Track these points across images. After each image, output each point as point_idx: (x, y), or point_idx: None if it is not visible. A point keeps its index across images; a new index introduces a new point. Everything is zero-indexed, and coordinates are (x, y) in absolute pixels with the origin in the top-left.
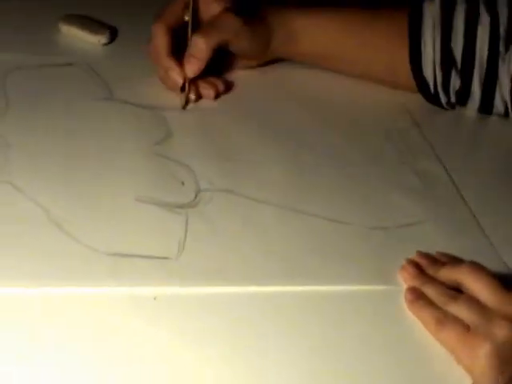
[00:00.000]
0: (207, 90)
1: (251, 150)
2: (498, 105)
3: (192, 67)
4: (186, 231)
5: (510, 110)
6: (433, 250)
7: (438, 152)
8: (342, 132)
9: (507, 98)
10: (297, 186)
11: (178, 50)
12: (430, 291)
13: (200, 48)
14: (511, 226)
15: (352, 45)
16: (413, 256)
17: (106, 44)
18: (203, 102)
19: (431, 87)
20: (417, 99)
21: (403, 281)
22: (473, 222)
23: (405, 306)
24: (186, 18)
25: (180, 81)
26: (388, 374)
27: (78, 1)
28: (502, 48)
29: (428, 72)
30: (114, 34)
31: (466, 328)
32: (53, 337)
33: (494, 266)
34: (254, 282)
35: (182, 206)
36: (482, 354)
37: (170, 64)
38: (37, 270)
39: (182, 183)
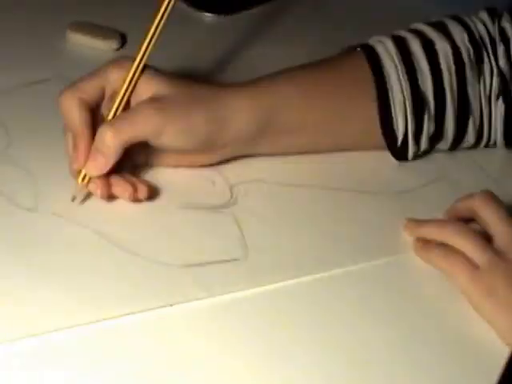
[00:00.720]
0: (122, 191)
1: None
2: (470, 136)
3: (95, 165)
4: (241, 229)
5: (487, 134)
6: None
7: None
8: None
9: (484, 122)
10: (316, 163)
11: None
12: (427, 229)
13: (106, 144)
14: None
15: (318, 116)
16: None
17: (117, 49)
18: None
19: (399, 140)
20: None
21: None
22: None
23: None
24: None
25: (74, 172)
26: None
27: (83, 9)
28: (468, 73)
29: (399, 123)
30: (123, 40)
31: (473, 264)
32: (164, 357)
33: None
34: (328, 267)
35: (224, 206)
36: (490, 286)
37: (70, 147)
38: (126, 296)
39: (213, 183)
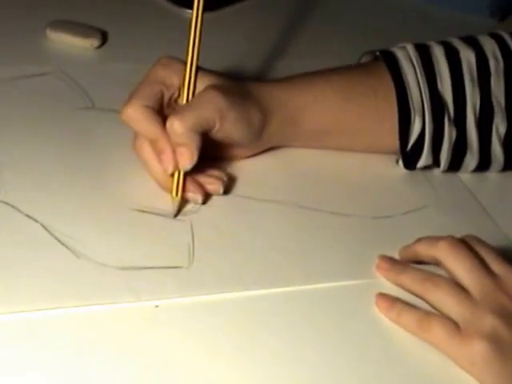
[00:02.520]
0: (213, 186)
1: None
2: (496, 146)
3: (184, 158)
4: (193, 238)
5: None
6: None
7: None
8: None
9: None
10: (292, 179)
11: None
12: (407, 280)
13: (178, 132)
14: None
15: (354, 117)
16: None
17: (98, 47)
18: None
19: (411, 142)
20: None
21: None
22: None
23: None
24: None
25: (166, 183)
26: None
27: (62, 7)
28: (493, 83)
29: (416, 124)
30: (104, 38)
31: (453, 325)
32: (76, 356)
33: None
34: (270, 285)
35: (184, 213)
36: (476, 352)
37: (150, 156)
38: (52, 291)
39: None
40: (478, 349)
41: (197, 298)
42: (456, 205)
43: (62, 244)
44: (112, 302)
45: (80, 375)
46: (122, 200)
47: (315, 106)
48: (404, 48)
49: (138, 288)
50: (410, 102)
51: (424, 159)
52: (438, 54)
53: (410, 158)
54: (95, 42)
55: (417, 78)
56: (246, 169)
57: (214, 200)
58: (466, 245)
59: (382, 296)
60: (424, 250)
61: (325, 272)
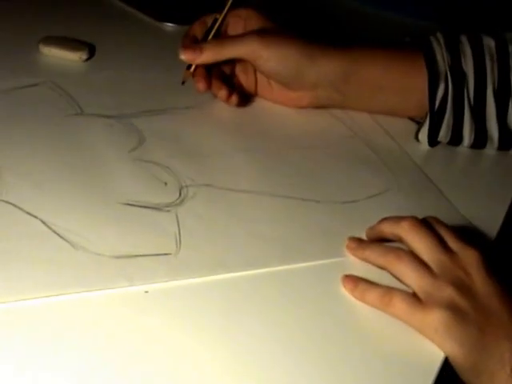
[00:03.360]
0: (219, 90)
1: (220, 144)
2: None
3: (192, 52)
4: (179, 227)
5: None
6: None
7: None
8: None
9: None
10: (267, 172)
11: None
12: (372, 255)
13: (207, 48)
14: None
15: (398, 77)
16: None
17: (86, 60)
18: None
19: (436, 105)
20: None
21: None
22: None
23: None
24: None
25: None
26: None
27: (53, 24)
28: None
29: (440, 90)
30: (92, 51)
31: (413, 297)
32: (74, 341)
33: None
34: (250, 267)
35: (169, 205)
36: (438, 319)
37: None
38: (50, 280)
39: (165, 183)
40: (439, 316)
41: (185, 281)
42: (414, 188)
43: (60, 237)
44: (108, 287)
45: (80, 357)
46: (112, 195)
47: (365, 61)
48: (435, 34)
49: (132, 274)
50: (437, 70)
51: (445, 127)
52: (463, 39)
53: (433, 127)
54: (84, 55)
55: (442, 54)
56: (225, 164)
57: (197, 192)
58: (427, 224)
59: (347, 277)
60: (388, 229)
61: (300, 253)
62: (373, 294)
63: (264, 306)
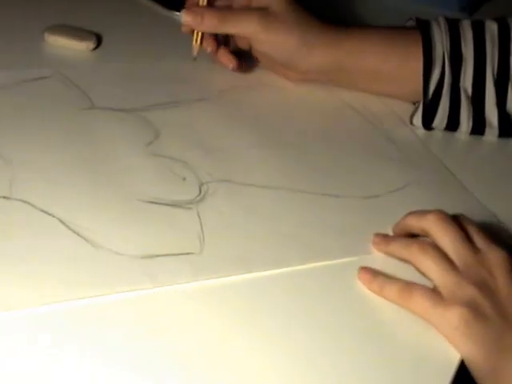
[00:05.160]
0: (227, 60)
1: (237, 137)
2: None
3: (193, 17)
4: (202, 225)
5: None
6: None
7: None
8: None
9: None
10: (284, 166)
11: None
12: (395, 247)
13: (207, 18)
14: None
15: (396, 60)
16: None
17: (94, 49)
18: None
19: (430, 91)
20: None
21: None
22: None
23: None
24: None
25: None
26: None
27: (59, 13)
28: None
29: (435, 74)
30: (98, 40)
31: (433, 293)
32: (102, 342)
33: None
34: (275, 266)
35: (190, 202)
36: (458, 316)
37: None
38: (74, 281)
39: (184, 179)
40: (460, 312)
41: (208, 282)
42: (436, 182)
43: (79, 235)
44: (132, 289)
45: (107, 361)
46: (130, 191)
47: (359, 52)
48: (437, 19)
49: (155, 274)
50: (433, 55)
51: (441, 111)
52: (465, 23)
53: (428, 111)
54: (91, 45)
55: (442, 38)
56: (243, 158)
57: (217, 188)
58: (453, 219)
59: (364, 269)
60: (414, 222)
61: (321, 251)
62: (392, 288)
63: (286, 304)
